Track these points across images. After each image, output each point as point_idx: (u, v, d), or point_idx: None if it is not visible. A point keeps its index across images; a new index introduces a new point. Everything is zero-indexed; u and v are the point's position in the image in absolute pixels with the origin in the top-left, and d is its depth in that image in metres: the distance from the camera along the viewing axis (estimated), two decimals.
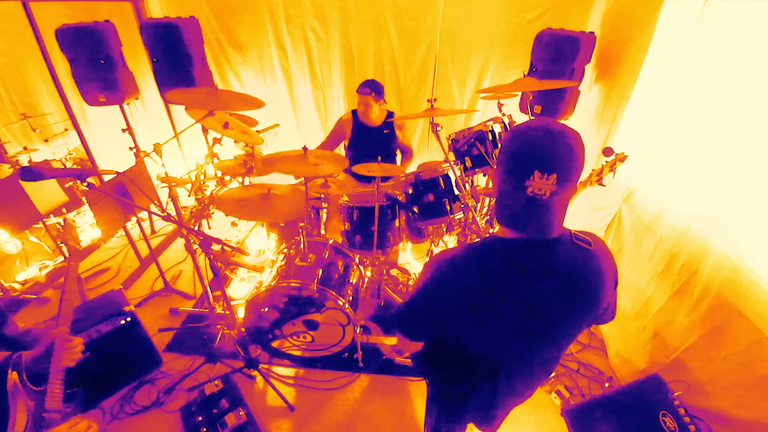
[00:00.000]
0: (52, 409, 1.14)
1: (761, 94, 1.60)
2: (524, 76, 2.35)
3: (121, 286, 2.20)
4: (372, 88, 2.70)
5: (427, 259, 3.00)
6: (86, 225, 3.55)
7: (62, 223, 1.62)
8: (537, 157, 0.77)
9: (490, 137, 2.43)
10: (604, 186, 1.53)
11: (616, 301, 0.99)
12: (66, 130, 3.57)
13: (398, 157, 3.15)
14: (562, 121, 0.79)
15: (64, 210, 3.37)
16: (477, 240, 2.34)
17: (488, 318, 0.90)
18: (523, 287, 0.86)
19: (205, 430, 1.87)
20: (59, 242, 1.68)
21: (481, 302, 0.88)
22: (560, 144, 0.77)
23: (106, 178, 2.52)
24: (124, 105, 2.96)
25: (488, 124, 2.50)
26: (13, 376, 1.13)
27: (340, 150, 3.20)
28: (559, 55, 2.49)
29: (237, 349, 2.21)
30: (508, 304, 0.87)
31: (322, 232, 2.81)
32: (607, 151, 1.49)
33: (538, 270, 0.85)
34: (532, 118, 2.70)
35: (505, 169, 0.83)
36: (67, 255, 1.58)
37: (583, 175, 1.44)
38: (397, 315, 1.04)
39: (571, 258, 0.87)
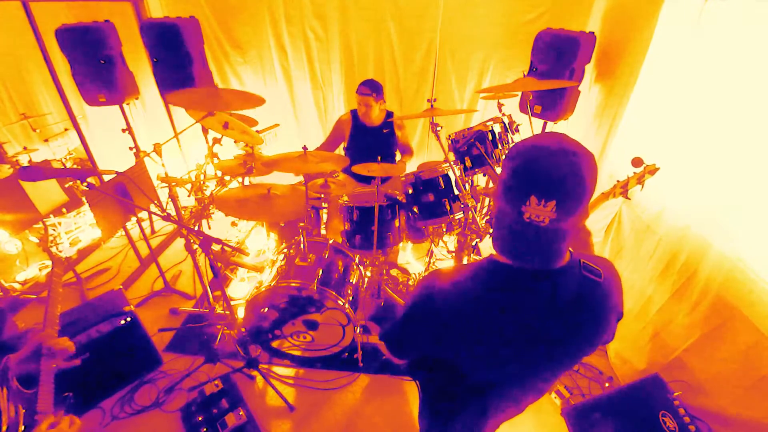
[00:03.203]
0: (43, 411, 1.14)
1: (761, 94, 1.60)
2: (524, 76, 2.34)
3: (121, 286, 2.20)
4: (372, 89, 2.70)
5: (426, 261, 3.00)
6: (86, 225, 3.55)
7: (43, 232, 1.66)
8: (534, 180, 0.69)
9: (490, 137, 2.43)
10: (629, 199, 1.44)
11: (615, 329, 0.94)
12: (66, 130, 3.57)
13: (398, 157, 3.15)
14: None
15: (64, 210, 3.38)
16: (478, 245, 2.35)
17: (478, 345, 0.84)
18: (520, 317, 0.79)
19: (205, 430, 1.87)
20: (42, 250, 1.71)
21: (471, 329, 0.81)
22: (564, 167, 0.68)
23: (106, 178, 2.52)
24: (124, 105, 2.96)
25: (488, 124, 2.50)
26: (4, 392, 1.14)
27: (340, 150, 3.20)
28: (559, 55, 2.49)
29: (237, 349, 2.21)
30: (501, 333, 0.81)
31: (322, 232, 2.81)
32: (636, 162, 1.36)
33: (538, 301, 0.78)
34: (532, 118, 2.70)
35: (503, 188, 0.75)
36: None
37: (607, 187, 1.41)
38: (383, 334, 0.99)
39: (577, 291, 0.79)
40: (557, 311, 0.79)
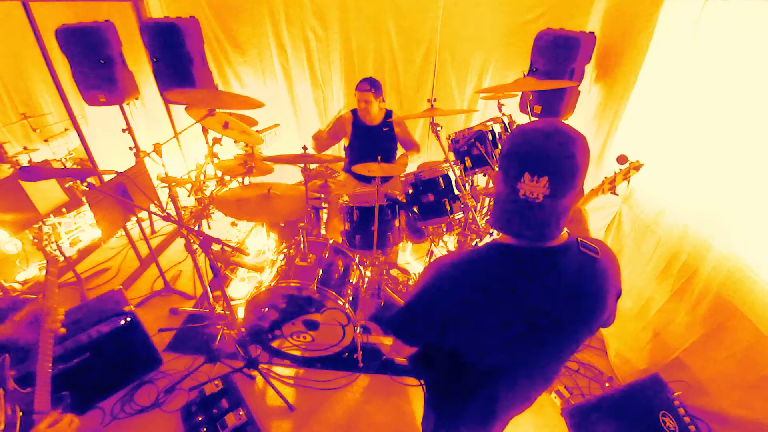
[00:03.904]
0: (40, 411, 1.13)
1: (760, 94, 1.60)
2: (524, 76, 2.35)
3: (121, 286, 2.20)
4: (371, 84, 2.70)
5: (426, 261, 3.00)
6: (86, 225, 3.55)
7: (38, 231, 1.65)
8: (527, 158, 0.75)
9: (490, 137, 2.43)
10: (617, 195, 1.48)
11: (616, 309, 0.96)
12: (66, 130, 3.57)
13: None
14: (564, 121, 0.76)
15: (64, 210, 3.38)
16: (478, 245, 2.35)
17: (487, 326, 0.86)
18: (525, 296, 0.83)
19: (205, 430, 1.87)
20: (37, 249, 1.71)
21: (480, 310, 0.84)
22: (554, 145, 0.74)
23: (106, 178, 2.52)
24: (124, 105, 2.96)
25: (488, 124, 2.50)
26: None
27: (340, 150, 3.20)
28: (559, 55, 2.49)
29: (237, 349, 2.21)
30: (508, 313, 0.84)
31: (322, 232, 2.81)
32: (621, 159, 1.41)
33: (541, 279, 0.82)
34: (532, 118, 2.70)
35: (501, 169, 0.81)
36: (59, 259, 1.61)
37: (595, 183, 1.43)
38: (392, 318, 1.00)
39: (577, 267, 0.83)
40: (559, 287, 0.83)
